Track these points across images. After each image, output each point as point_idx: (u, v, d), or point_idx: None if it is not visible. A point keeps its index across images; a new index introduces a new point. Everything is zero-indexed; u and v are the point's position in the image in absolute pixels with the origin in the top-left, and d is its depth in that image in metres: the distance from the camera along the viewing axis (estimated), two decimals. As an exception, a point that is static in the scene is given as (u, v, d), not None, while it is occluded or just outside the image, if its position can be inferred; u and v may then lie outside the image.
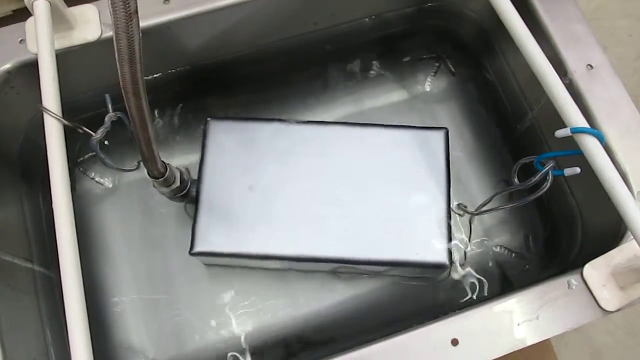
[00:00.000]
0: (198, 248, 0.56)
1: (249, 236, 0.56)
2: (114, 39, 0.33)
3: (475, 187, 0.64)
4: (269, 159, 0.59)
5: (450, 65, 0.67)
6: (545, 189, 0.46)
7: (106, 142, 0.50)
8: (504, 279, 0.61)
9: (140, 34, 0.34)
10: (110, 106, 0.51)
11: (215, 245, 0.56)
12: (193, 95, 0.65)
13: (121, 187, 0.65)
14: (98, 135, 0.50)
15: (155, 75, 0.60)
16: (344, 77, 0.67)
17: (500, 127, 0.65)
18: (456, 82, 0.68)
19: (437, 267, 0.56)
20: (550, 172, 0.47)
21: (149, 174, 0.52)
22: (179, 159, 0.65)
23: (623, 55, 0.83)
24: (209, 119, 0.60)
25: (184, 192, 0.58)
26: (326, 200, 0.57)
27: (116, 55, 0.35)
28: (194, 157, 0.60)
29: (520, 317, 0.45)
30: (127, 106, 0.40)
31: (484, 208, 0.53)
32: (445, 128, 0.60)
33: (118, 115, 0.52)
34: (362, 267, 0.59)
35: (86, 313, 0.36)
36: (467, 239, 0.61)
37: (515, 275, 0.61)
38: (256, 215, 0.57)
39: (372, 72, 0.67)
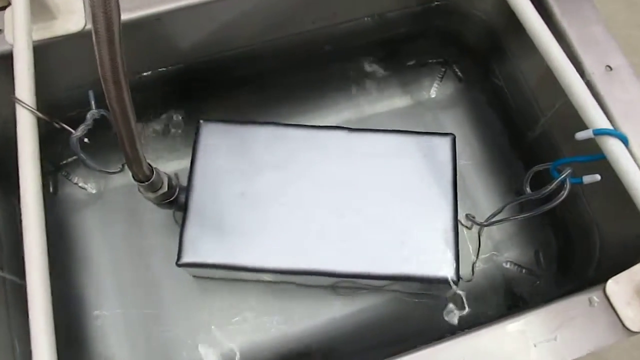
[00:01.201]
0: (186, 259, 0.52)
1: (240, 247, 0.52)
2: (91, 19, 0.30)
3: (483, 198, 0.60)
4: (263, 164, 0.55)
5: (457, 70, 0.64)
6: (563, 197, 0.42)
7: (86, 140, 0.46)
8: (513, 296, 0.57)
9: (120, 14, 0.31)
10: (93, 103, 0.47)
11: (204, 255, 0.52)
12: (185, 96, 0.61)
13: (106, 193, 0.61)
14: (78, 132, 0.46)
15: (144, 74, 0.56)
16: (345, 81, 0.64)
17: (510, 134, 0.62)
18: (463, 87, 0.64)
19: (444, 282, 0.52)
20: (567, 180, 0.43)
21: (133, 177, 0.49)
22: (169, 164, 0.61)
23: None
24: (200, 121, 0.57)
25: (172, 198, 0.55)
26: (324, 210, 0.54)
27: (93, 38, 0.32)
28: (185, 163, 0.56)
29: (536, 337, 0.40)
30: (106, 98, 0.37)
31: (495, 219, 0.50)
32: (452, 134, 0.56)
33: (101, 113, 0.49)
34: (362, 281, 0.55)
35: (52, 324, 0.33)
36: (474, 253, 0.57)
37: (525, 292, 0.57)
38: (249, 225, 0.53)
39: (374, 76, 0.64)
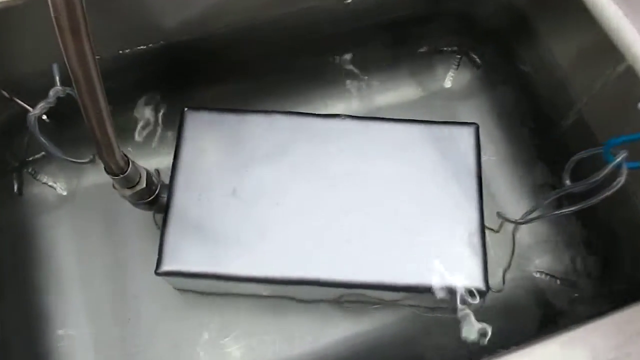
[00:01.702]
0: (166, 266, 0.45)
1: (230, 253, 0.45)
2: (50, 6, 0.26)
3: (509, 197, 0.53)
4: (257, 158, 0.48)
5: (475, 57, 0.58)
6: (621, 183, 0.35)
7: (45, 118, 0.39)
8: (549, 311, 0.49)
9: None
10: (58, 78, 0.40)
11: (188, 263, 0.45)
12: (167, 81, 0.54)
13: (78, 193, 0.54)
14: (37, 111, 0.39)
15: (120, 52, 0.49)
16: (350, 68, 0.57)
17: (538, 124, 0.55)
18: (482, 75, 0.58)
19: (470, 293, 0.44)
20: (624, 164, 0.36)
21: (106, 169, 0.43)
22: (149, 159, 0.53)
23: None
24: (185, 109, 0.50)
25: (152, 197, 0.48)
26: (328, 210, 0.47)
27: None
28: (167, 158, 0.49)
29: (598, 357, 0.33)
30: (67, 63, 0.30)
31: (531, 215, 0.42)
32: (475, 124, 0.49)
33: (67, 91, 0.42)
34: (373, 293, 0.47)
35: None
36: (503, 259, 0.49)
37: (563, 306, 0.49)
38: (241, 227, 0.46)
39: (381, 63, 0.57)
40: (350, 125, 0.49)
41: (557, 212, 0.40)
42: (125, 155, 0.44)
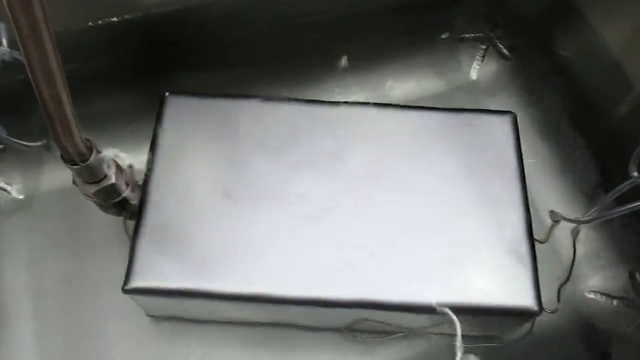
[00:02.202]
0: (137, 282, 0.36)
1: (219, 265, 0.36)
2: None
3: (554, 202, 0.44)
4: (254, 151, 0.40)
5: (502, 47, 0.50)
6: None
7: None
8: (607, 337, 0.40)
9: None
10: (5, 39, 0.32)
11: (164, 277, 0.36)
12: (145, 60, 0.46)
13: (37, 197, 0.44)
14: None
15: (90, 24, 0.41)
16: (361, 56, 0.49)
17: (584, 117, 0.47)
18: (512, 65, 0.50)
19: (519, 315, 0.35)
20: None
21: (62, 156, 0.34)
22: (122, 155, 0.44)
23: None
24: (167, 94, 0.42)
25: (122, 197, 0.39)
26: (339, 213, 0.38)
27: None
28: (144, 155, 0.40)
29: None
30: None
31: (591, 216, 0.34)
32: (512, 112, 0.42)
33: (15, 55, 0.33)
34: (395, 317, 0.37)
35: None
36: (562, 270, 0.40)
37: (625, 332, 0.40)
38: (232, 233, 0.37)
39: (396, 52, 0.50)
40: (369, 115, 0.42)
41: (628, 207, 0.32)
42: (88, 140, 0.35)
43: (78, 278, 0.42)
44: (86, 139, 0.35)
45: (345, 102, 0.42)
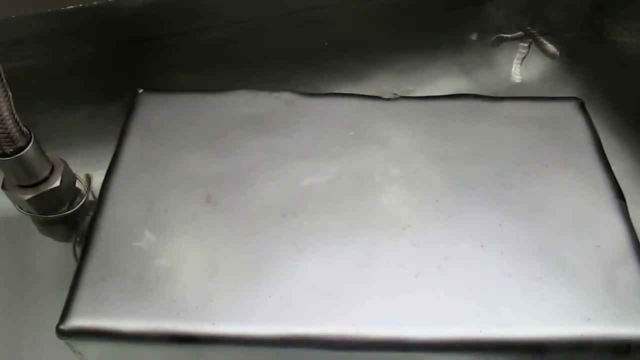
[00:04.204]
0: (77, 319, 0.25)
1: (201, 297, 0.26)
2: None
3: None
4: (248, 148, 0.31)
5: (547, 42, 0.42)
6: None
7: None
8: None
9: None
10: None
11: (116, 315, 0.25)
12: (115, 55, 0.38)
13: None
14: None
15: (49, 10, 0.33)
16: (380, 60, 0.41)
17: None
18: (561, 64, 0.42)
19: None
20: None
21: None
22: (80, 164, 0.35)
23: None
24: (140, 91, 0.34)
25: (73, 210, 0.30)
26: (375, 224, 0.28)
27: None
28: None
29: None
30: None
31: None
32: (578, 98, 0.33)
33: None
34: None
35: None
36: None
37: None
38: (219, 253, 0.27)
39: (422, 53, 0.42)
40: (396, 105, 0.33)
41: None
42: (26, 126, 0.27)
43: (11, 318, 0.31)
44: (25, 126, 0.27)
45: (358, 95, 0.33)
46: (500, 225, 0.27)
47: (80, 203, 0.30)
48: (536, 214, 0.27)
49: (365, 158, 0.30)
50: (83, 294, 0.26)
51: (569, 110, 0.32)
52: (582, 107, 0.33)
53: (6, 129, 0.25)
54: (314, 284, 0.26)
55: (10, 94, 0.24)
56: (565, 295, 0.24)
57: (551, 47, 0.42)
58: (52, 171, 0.28)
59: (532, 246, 0.26)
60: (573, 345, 0.23)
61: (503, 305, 0.25)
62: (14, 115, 0.25)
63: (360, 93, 0.34)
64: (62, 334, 0.25)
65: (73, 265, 0.31)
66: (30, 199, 0.27)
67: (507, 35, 0.43)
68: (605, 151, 0.31)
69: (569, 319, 0.24)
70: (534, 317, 0.24)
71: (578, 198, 0.28)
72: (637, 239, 0.27)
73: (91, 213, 0.29)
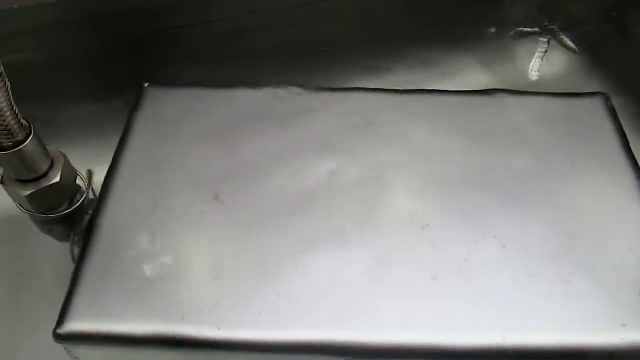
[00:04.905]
0: (75, 323, 0.24)
1: (206, 300, 0.24)
2: None
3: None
4: (259, 145, 0.30)
5: (567, 38, 0.41)
6: None
7: None
8: None
9: None
10: None
11: (117, 318, 0.24)
12: (119, 47, 0.37)
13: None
14: None
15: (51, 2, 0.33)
16: (395, 55, 0.40)
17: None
18: (584, 58, 0.40)
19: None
20: None
21: None
22: (84, 161, 0.34)
23: None
24: (145, 85, 0.33)
25: (73, 209, 0.29)
26: (381, 221, 0.27)
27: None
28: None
29: None
30: None
31: None
32: (604, 94, 0.31)
33: None
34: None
35: None
36: None
37: None
38: (227, 255, 0.26)
39: (438, 49, 0.40)
40: (417, 102, 0.31)
41: None
42: (26, 120, 0.26)
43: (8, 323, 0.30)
44: (25, 119, 0.26)
45: (371, 89, 0.32)
46: (524, 224, 0.26)
47: (81, 201, 0.29)
48: (562, 213, 0.26)
49: (381, 155, 0.29)
50: (82, 295, 0.24)
51: (595, 106, 0.31)
52: (609, 103, 0.31)
53: (4, 121, 0.24)
54: (326, 286, 0.25)
55: (8, 84, 0.23)
56: (597, 300, 0.23)
57: (570, 43, 0.41)
58: (52, 166, 0.27)
59: (559, 247, 0.25)
60: (605, 354, 0.22)
61: (528, 310, 0.23)
62: (13, 108, 0.24)
63: (377, 87, 0.33)
64: (60, 338, 0.24)
65: (73, 265, 0.30)
66: (29, 194, 0.26)
67: (527, 29, 0.42)
68: (633, 149, 0.30)
69: (602, 325, 0.22)
70: (563, 323, 0.23)
71: (606, 197, 0.27)
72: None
73: (91, 212, 0.28)
